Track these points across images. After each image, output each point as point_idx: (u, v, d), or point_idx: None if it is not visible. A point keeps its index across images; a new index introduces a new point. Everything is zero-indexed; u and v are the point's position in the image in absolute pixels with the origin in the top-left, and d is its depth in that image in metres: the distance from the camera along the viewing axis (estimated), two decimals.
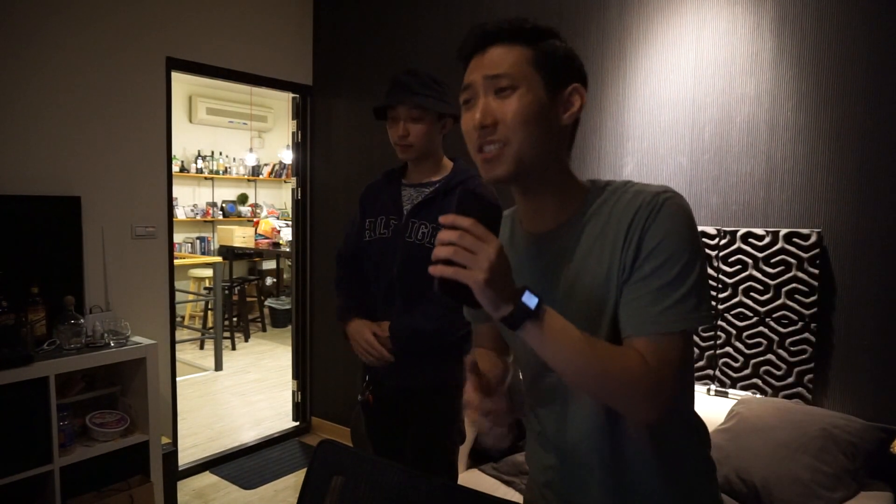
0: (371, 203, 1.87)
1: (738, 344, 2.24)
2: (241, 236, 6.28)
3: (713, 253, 2.29)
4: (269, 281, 7.11)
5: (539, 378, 1.01)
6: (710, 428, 1.39)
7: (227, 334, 5.78)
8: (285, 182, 7.77)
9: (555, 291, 0.92)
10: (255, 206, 7.65)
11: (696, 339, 2.32)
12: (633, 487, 0.94)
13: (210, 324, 5.88)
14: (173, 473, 2.80)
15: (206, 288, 6.17)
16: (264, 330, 6.64)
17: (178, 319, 6.14)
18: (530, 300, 0.78)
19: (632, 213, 0.86)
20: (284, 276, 7.25)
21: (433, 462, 1.79)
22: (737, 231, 2.24)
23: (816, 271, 2.09)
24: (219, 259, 5.64)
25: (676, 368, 0.83)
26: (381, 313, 1.80)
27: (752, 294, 2.20)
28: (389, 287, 1.77)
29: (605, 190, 0.93)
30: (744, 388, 2.23)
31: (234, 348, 5.82)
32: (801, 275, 2.11)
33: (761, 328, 2.19)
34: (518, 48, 0.89)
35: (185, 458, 3.31)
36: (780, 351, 2.16)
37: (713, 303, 2.21)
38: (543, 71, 0.89)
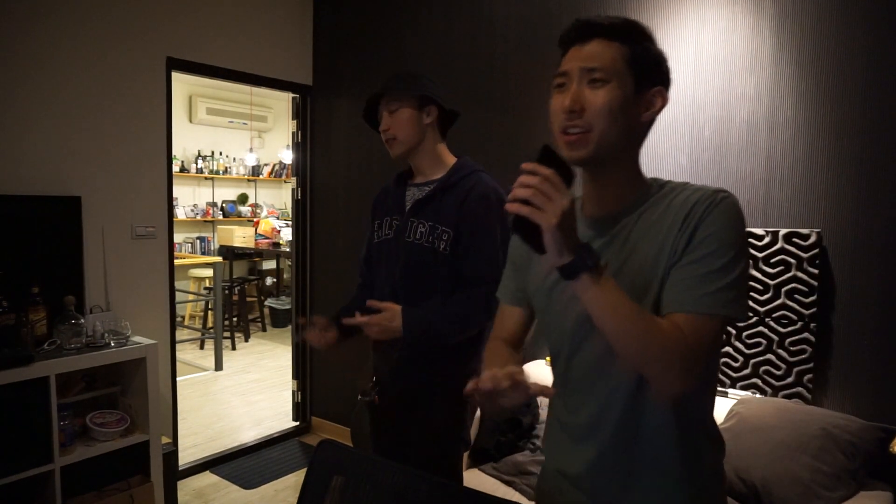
0: (380, 205, 1.87)
1: (737, 344, 2.24)
2: (241, 236, 6.28)
3: None
4: (269, 281, 7.11)
5: (571, 355, 1.05)
6: None
7: (227, 334, 5.78)
8: (285, 182, 7.77)
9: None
10: (255, 206, 7.65)
11: None
12: (648, 476, 0.99)
13: (210, 324, 5.88)
14: (173, 473, 2.80)
15: (206, 288, 6.17)
16: (264, 330, 6.64)
17: (179, 319, 6.14)
18: (591, 254, 0.86)
19: (690, 204, 0.94)
20: (284, 276, 7.25)
21: (437, 468, 1.75)
22: None
23: (816, 271, 2.09)
24: (219, 259, 5.64)
25: (708, 348, 0.91)
26: None
27: (751, 294, 2.20)
28: (391, 288, 1.75)
29: (664, 186, 1.02)
30: (743, 388, 2.24)
31: (234, 348, 5.82)
32: (800, 275, 2.11)
33: (761, 328, 2.19)
34: (616, 45, 0.96)
35: (185, 458, 3.31)
36: (780, 351, 2.16)
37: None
38: (635, 70, 0.97)
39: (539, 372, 2.64)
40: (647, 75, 0.98)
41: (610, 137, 0.96)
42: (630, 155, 1.02)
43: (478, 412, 2.49)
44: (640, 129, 1.01)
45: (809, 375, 2.12)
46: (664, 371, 0.88)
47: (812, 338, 2.11)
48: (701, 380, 0.92)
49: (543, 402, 2.53)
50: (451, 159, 1.80)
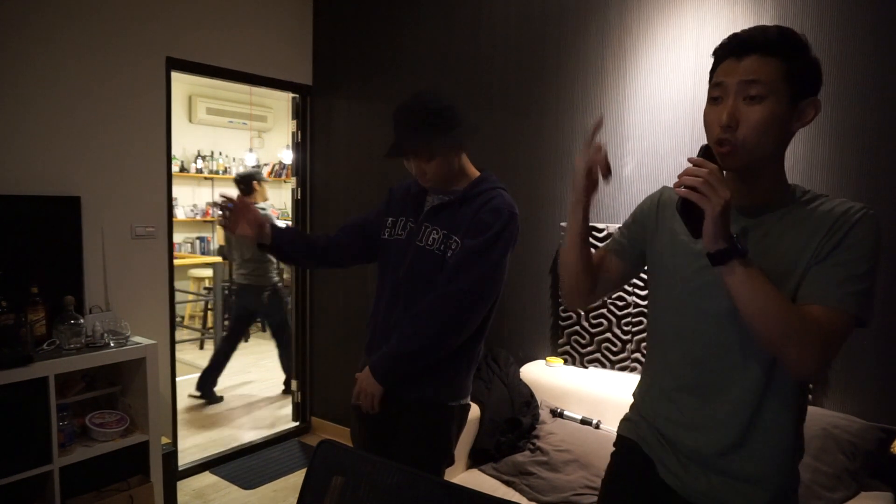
0: (398, 201, 1.83)
1: None
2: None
3: None
4: None
5: (702, 335, 1.12)
6: None
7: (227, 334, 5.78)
8: (285, 182, 7.77)
9: None
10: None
11: None
12: (762, 442, 1.08)
13: (210, 324, 5.88)
14: (173, 473, 2.80)
15: (205, 288, 6.17)
16: (264, 330, 6.63)
17: (178, 319, 6.14)
18: (742, 243, 0.96)
19: (840, 212, 1.02)
20: (284, 276, 7.24)
21: None
22: None
23: None
24: (219, 259, 5.63)
25: (839, 340, 0.99)
26: (384, 315, 1.75)
27: None
28: (394, 289, 1.73)
29: (807, 193, 1.09)
30: None
31: None
32: None
33: None
34: (775, 61, 0.99)
35: (185, 458, 3.31)
36: None
37: None
38: (792, 83, 1.00)
39: (540, 372, 2.64)
40: (804, 86, 1.01)
41: (761, 151, 1.02)
42: (775, 160, 1.07)
43: (477, 414, 2.49)
44: (788, 138, 1.05)
45: None
46: (802, 351, 0.95)
47: None
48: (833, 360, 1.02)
49: (543, 402, 2.53)
50: (474, 172, 1.78)
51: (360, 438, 1.85)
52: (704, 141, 1.06)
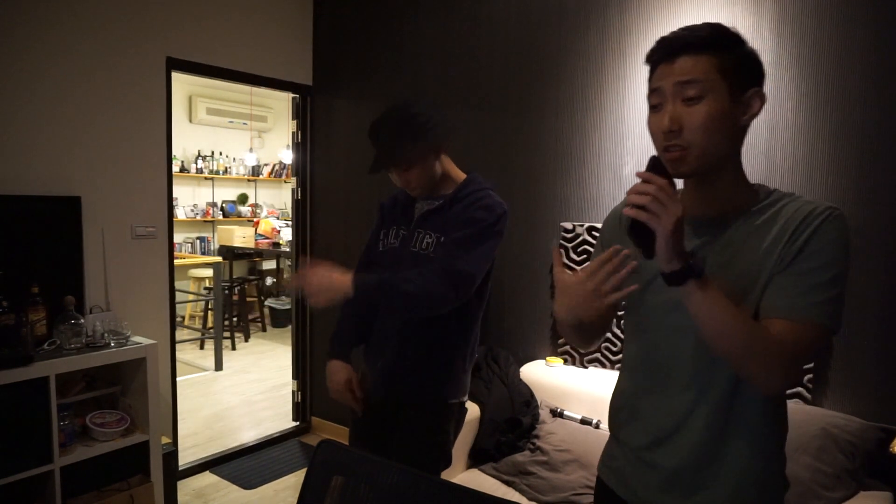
0: (388, 213, 1.85)
1: None
2: (241, 236, 6.28)
3: None
4: (269, 281, 7.11)
5: (665, 353, 1.07)
6: None
7: (227, 334, 5.78)
8: (285, 182, 7.77)
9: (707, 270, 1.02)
10: (255, 206, 7.65)
11: None
12: (725, 458, 1.03)
13: (210, 324, 5.88)
14: (173, 473, 2.80)
15: (206, 288, 6.17)
16: (264, 330, 6.64)
17: (178, 319, 6.14)
18: (698, 261, 0.91)
19: (803, 215, 0.96)
20: (284, 276, 7.24)
21: None
22: None
23: None
24: (219, 259, 5.64)
25: (806, 354, 0.94)
26: (382, 321, 1.77)
27: None
28: None
29: (772, 193, 1.03)
30: None
31: (234, 348, 5.82)
32: None
33: None
34: (706, 57, 0.96)
35: (185, 458, 3.31)
36: None
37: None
38: (729, 77, 0.96)
39: (539, 372, 2.64)
40: (742, 79, 0.97)
41: (710, 151, 0.97)
42: (732, 160, 1.02)
43: (477, 414, 2.49)
44: (739, 133, 1.01)
45: (809, 375, 2.12)
46: (764, 373, 0.92)
47: None
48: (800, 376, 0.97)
49: (543, 401, 2.53)
50: (460, 174, 1.78)
51: (359, 438, 1.85)
52: None
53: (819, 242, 0.94)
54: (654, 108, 1.01)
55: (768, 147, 2.22)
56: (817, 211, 0.95)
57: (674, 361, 1.06)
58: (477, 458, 2.45)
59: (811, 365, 2.11)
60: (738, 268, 0.98)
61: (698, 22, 1.04)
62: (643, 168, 0.93)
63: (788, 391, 2.14)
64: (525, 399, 2.52)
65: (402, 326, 1.71)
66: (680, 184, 1.02)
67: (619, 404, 1.19)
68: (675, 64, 0.97)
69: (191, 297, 6.26)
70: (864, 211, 2.05)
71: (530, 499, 2.16)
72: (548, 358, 2.73)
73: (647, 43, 2.47)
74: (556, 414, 2.46)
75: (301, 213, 3.83)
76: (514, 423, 2.44)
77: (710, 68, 0.95)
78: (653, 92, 1.01)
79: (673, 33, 0.99)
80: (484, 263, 1.65)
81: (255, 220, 6.94)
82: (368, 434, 1.80)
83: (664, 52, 0.99)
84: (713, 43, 0.96)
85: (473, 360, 1.78)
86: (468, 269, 1.61)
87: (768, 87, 2.19)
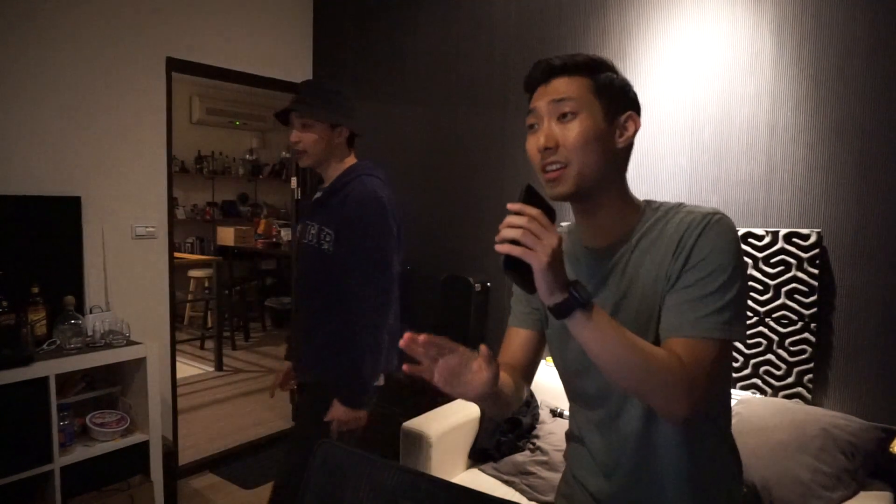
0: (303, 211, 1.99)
1: (737, 344, 2.24)
2: (241, 236, 6.28)
3: None
4: (269, 281, 7.10)
5: (578, 379, 1.08)
6: None
7: (227, 334, 5.78)
8: (285, 182, 7.76)
9: (608, 303, 1.00)
10: (255, 206, 7.65)
11: None
12: (660, 485, 1.02)
13: (210, 324, 5.88)
14: (173, 473, 2.80)
15: (205, 288, 6.17)
16: (264, 330, 6.64)
17: (178, 319, 6.14)
18: (582, 291, 0.84)
19: (683, 228, 0.94)
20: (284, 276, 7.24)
21: (290, 456, 1.84)
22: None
23: (816, 271, 2.09)
24: (219, 258, 5.63)
25: (708, 371, 0.89)
26: (295, 317, 1.88)
27: (751, 294, 2.20)
28: (296, 291, 1.86)
29: (658, 210, 1.02)
30: (743, 388, 2.23)
31: (234, 348, 5.82)
32: (800, 275, 2.11)
33: (761, 328, 2.19)
34: (580, 78, 0.98)
35: (185, 458, 3.30)
36: (780, 351, 2.16)
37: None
38: (602, 99, 0.97)
39: (540, 372, 2.64)
40: (615, 102, 0.98)
41: (588, 169, 0.96)
42: (615, 183, 1.01)
43: (477, 414, 2.49)
44: (618, 156, 1.00)
45: (809, 375, 2.12)
46: (667, 399, 0.87)
47: (812, 338, 2.11)
48: (707, 404, 0.91)
49: (543, 402, 2.53)
50: (351, 162, 1.88)
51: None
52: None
53: (701, 252, 0.92)
54: (531, 128, 1.01)
55: (768, 147, 2.22)
56: (696, 219, 0.94)
57: (607, 391, 1.04)
58: (477, 458, 2.45)
59: (811, 365, 2.11)
60: (637, 296, 0.97)
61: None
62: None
63: (788, 391, 2.15)
64: (525, 399, 2.52)
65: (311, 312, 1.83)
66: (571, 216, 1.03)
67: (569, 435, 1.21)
68: (551, 85, 0.99)
69: (190, 297, 6.26)
70: (864, 211, 2.05)
71: (530, 499, 2.16)
72: (548, 358, 2.72)
73: (648, 43, 2.49)
74: (556, 414, 2.46)
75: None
76: (514, 423, 2.44)
77: (584, 87, 0.97)
78: (529, 113, 1.01)
79: (549, 57, 1.01)
80: (385, 261, 1.73)
81: (255, 220, 6.94)
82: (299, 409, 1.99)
83: (541, 75, 1.00)
84: (587, 67, 0.99)
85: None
86: (382, 283, 1.72)
87: (769, 87, 2.21)
